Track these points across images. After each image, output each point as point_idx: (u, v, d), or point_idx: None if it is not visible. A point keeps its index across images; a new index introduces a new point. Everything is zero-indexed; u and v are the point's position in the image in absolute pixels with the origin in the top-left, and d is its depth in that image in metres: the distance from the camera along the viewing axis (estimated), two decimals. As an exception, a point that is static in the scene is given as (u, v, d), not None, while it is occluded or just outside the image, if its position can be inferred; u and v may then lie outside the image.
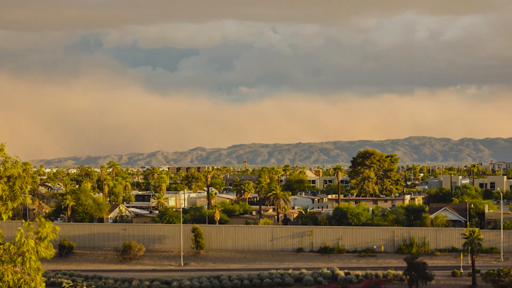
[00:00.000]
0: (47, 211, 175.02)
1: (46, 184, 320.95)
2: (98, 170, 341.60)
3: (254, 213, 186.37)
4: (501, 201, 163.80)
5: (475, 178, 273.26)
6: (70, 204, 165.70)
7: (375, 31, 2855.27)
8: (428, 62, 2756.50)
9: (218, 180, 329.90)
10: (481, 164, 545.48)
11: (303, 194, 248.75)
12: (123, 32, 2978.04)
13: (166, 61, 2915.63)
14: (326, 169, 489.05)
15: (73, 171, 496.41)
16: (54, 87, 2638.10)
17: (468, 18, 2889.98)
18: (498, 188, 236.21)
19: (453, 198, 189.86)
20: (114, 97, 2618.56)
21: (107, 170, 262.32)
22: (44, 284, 48.95)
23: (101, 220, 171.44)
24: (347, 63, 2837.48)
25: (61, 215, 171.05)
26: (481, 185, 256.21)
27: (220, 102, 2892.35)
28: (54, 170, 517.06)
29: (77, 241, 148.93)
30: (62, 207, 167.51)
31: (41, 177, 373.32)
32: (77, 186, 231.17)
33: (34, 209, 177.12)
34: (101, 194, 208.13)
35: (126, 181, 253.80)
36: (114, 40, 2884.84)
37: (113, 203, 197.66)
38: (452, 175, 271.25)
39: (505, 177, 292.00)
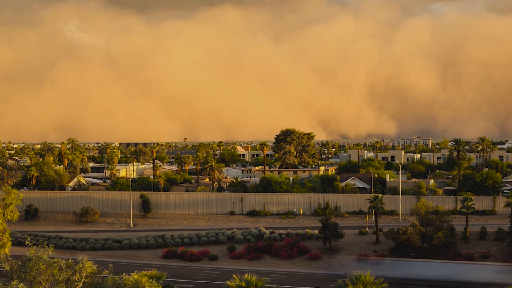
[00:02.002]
0: (14, 180, 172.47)
1: (14, 157, 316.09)
2: (59, 145, 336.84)
3: (193, 181, 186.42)
4: (400, 171, 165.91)
5: (378, 152, 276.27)
6: (35, 175, 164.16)
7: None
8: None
9: (162, 154, 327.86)
10: (383, 140, 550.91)
11: (235, 165, 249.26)
12: None
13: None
14: (254, 145, 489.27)
15: (37, 146, 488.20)
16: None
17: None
18: (397, 161, 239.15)
19: (360, 169, 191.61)
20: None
21: (67, 146, 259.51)
22: (10, 242, 48.20)
23: (62, 188, 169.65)
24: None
25: (27, 184, 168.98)
26: (383, 158, 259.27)
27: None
28: (21, 146, 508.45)
29: (41, 206, 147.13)
30: (28, 177, 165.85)
31: (9, 151, 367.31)
32: (40, 159, 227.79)
33: (3, 179, 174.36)
34: (62, 166, 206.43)
35: (83, 155, 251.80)
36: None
37: (72, 173, 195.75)
38: (359, 150, 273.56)
39: (403, 151, 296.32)
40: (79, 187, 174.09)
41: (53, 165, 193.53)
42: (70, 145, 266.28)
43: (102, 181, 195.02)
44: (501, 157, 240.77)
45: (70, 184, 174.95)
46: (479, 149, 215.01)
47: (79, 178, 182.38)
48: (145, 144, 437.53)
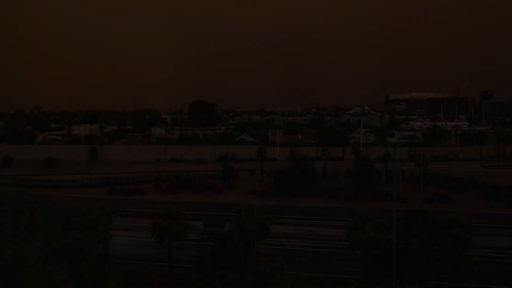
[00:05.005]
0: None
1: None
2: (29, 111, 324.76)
3: (130, 137, 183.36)
4: (278, 130, 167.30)
5: (264, 116, 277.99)
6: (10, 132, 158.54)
7: None
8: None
9: (107, 118, 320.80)
10: (267, 109, 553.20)
11: (161, 126, 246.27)
12: None
13: None
14: (174, 111, 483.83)
15: (12, 112, 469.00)
16: None
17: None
18: (276, 122, 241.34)
19: (249, 128, 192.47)
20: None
21: (35, 111, 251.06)
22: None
23: (31, 142, 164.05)
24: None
25: (5, 139, 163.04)
26: (266, 120, 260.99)
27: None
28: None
29: (15, 156, 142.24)
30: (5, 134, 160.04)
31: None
32: (15, 121, 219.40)
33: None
34: (31, 126, 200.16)
35: (48, 118, 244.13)
36: None
37: (39, 132, 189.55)
38: (249, 115, 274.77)
39: (280, 115, 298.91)
40: (44, 142, 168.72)
41: (25, 126, 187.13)
42: (37, 111, 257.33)
43: (62, 138, 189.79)
44: (348, 120, 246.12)
45: (38, 140, 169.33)
46: (333, 113, 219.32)
47: (44, 135, 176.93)
48: (94, 111, 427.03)
